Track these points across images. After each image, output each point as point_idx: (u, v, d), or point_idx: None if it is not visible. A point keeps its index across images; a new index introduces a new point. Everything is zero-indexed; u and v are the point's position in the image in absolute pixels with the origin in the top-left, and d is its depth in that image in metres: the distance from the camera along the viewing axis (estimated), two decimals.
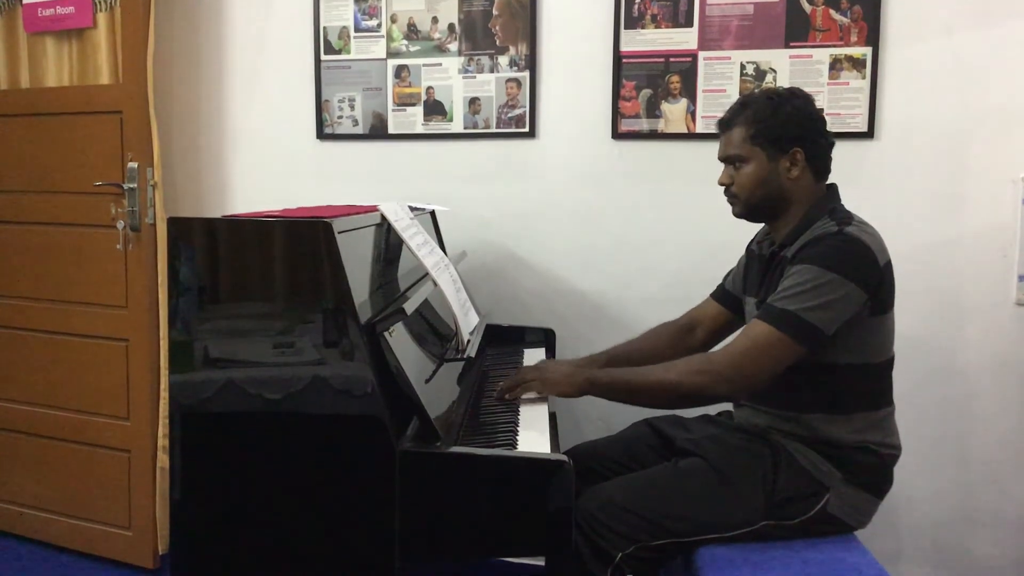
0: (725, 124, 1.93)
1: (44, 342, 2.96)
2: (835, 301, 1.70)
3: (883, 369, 1.86)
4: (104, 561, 2.92)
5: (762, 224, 2.02)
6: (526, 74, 2.67)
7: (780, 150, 1.85)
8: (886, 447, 1.85)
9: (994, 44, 2.34)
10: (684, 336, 2.21)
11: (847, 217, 1.81)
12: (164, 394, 2.77)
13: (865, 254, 1.74)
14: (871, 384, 1.85)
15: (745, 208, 1.93)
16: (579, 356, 2.25)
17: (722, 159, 1.95)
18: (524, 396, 1.96)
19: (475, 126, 2.73)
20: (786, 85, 2.37)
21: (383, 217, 1.92)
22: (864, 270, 1.73)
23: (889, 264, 1.79)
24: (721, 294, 2.20)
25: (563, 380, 1.89)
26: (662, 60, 2.55)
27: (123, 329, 2.80)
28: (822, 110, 1.92)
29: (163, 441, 2.80)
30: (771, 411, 1.90)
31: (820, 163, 1.89)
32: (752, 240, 2.10)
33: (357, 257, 1.74)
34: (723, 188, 1.95)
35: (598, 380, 1.86)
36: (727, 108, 1.96)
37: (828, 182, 1.93)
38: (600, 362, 2.15)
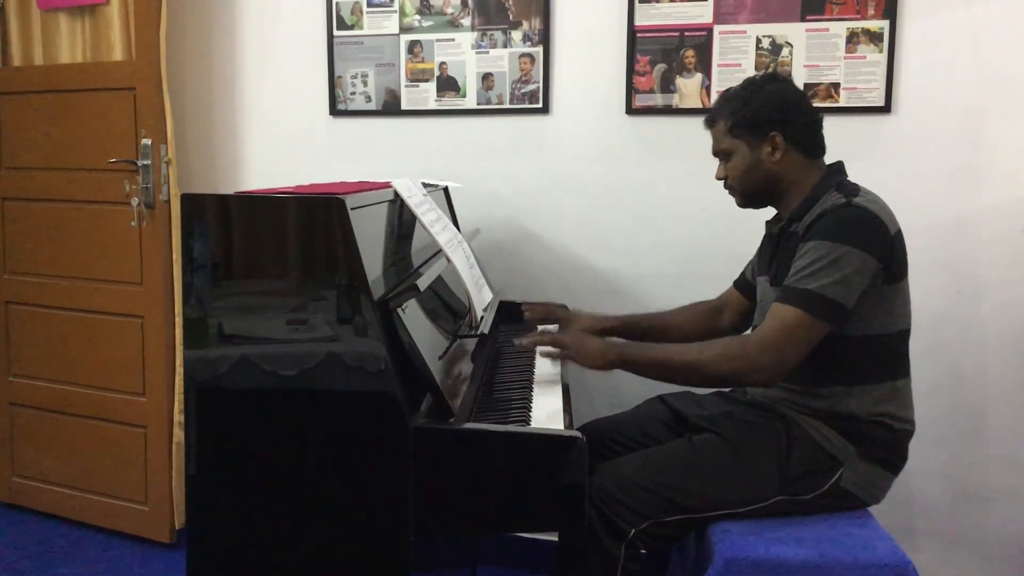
0: (710, 121, 1.98)
1: (60, 319, 2.98)
2: (852, 274, 1.70)
3: (899, 339, 1.85)
4: (121, 535, 2.96)
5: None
6: (539, 49, 2.65)
7: (759, 137, 1.88)
8: (901, 421, 1.85)
9: (1012, 16, 2.31)
10: (712, 317, 2.24)
11: (854, 189, 1.82)
12: (179, 370, 2.79)
13: (875, 223, 1.74)
14: (887, 354, 1.84)
15: (743, 198, 1.98)
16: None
17: (714, 155, 1.99)
18: (548, 357, 1.96)
19: (488, 102, 2.72)
20: (803, 59, 2.35)
21: (396, 194, 1.92)
22: (875, 239, 1.73)
23: (899, 233, 1.79)
24: (741, 282, 2.22)
25: (597, 355, 1.87)
26: (677, 34, 2.53)
27: (138, 306, 2.82)
28: (802, 89, 1.94)
29: (179, 417, 2.82)
30: (786, 384, 1.89)
31: (805, 141, 1.89)
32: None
33: (370, 234, 1.74)
34: (722, 182, 1.99)
35: (630, 357, 1.84)
36: (711, 107, 2.00)
37: (836, 159, 1.93)
38: (616, 324, 2.21)
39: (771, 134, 1.86)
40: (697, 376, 1.81)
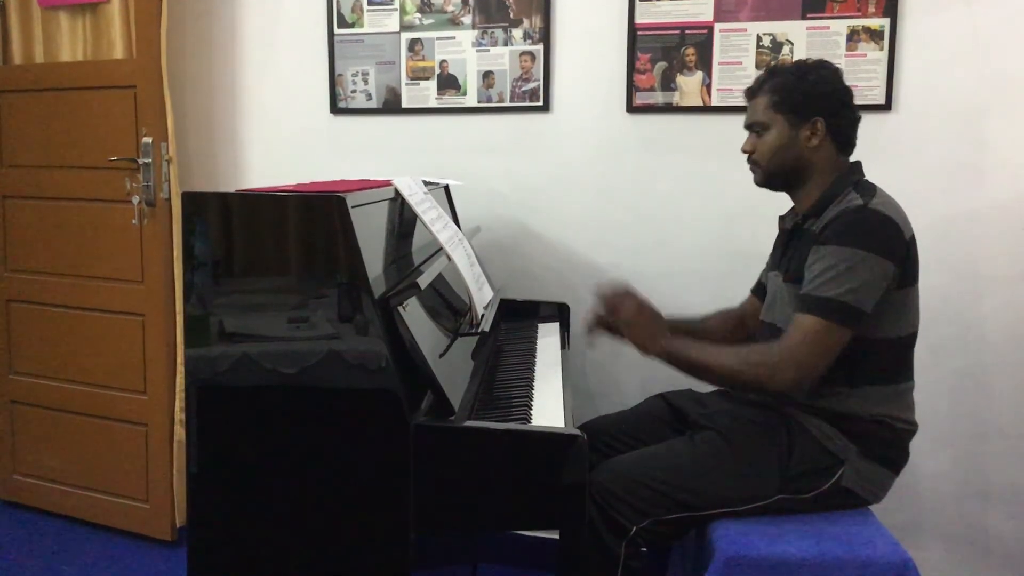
0: (752, 92, 1.95)
1: (61, 317, 2.98)
2: (869, 279, 1.70)
3: (906, 343, 1.85)
4: (122, 533, 2.96)
5: (782, 195, 2.00)
6: (540, 47, 2.65)
7: (801, 118, 1.86)
8: (902, 422, 1.84)
9: (1012, 14, 2.31)
10: (741, 327, 2.21)
11: (871, 190, 1.81)
12: (180, 368, 2.79)
13: (891, 228, 1.73)
14: (893, 358, 1.84)
15: (765, 175, 1.94)
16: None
17: (746, 127, 1.96)
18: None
19: (489, 100, 2.71)
20: (803, 57, 2.34)
21: (397, 192, 1.92)
22: (892, 244, 1.73)
23: (913, 238, 1.79)
24: (758, 289, 2.20)
25: (648, 342, 1.87)
26: (677, 32, 2.53)
27: (139, 304, 2.82)
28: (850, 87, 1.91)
29: (180, 415, 2.82)
30: None
31: (843, 135, 1.88)
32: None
33: (371, 232, 1.74)
34: (746, 156, 1.96)
35: (674, 352, 1.84)
36: (755, 78, 1.97)
37: (853, 159, 1.92)
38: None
39: (814, 119, 1.85)
40: (728, 381, 1.83)
